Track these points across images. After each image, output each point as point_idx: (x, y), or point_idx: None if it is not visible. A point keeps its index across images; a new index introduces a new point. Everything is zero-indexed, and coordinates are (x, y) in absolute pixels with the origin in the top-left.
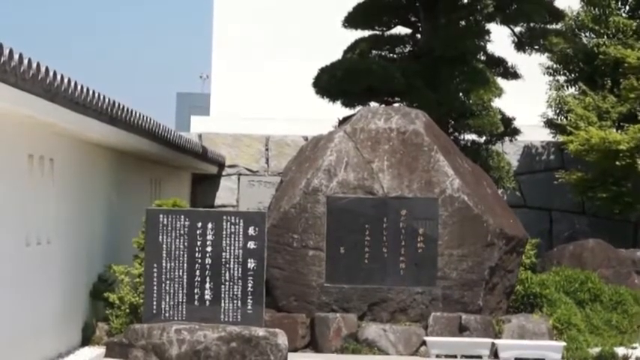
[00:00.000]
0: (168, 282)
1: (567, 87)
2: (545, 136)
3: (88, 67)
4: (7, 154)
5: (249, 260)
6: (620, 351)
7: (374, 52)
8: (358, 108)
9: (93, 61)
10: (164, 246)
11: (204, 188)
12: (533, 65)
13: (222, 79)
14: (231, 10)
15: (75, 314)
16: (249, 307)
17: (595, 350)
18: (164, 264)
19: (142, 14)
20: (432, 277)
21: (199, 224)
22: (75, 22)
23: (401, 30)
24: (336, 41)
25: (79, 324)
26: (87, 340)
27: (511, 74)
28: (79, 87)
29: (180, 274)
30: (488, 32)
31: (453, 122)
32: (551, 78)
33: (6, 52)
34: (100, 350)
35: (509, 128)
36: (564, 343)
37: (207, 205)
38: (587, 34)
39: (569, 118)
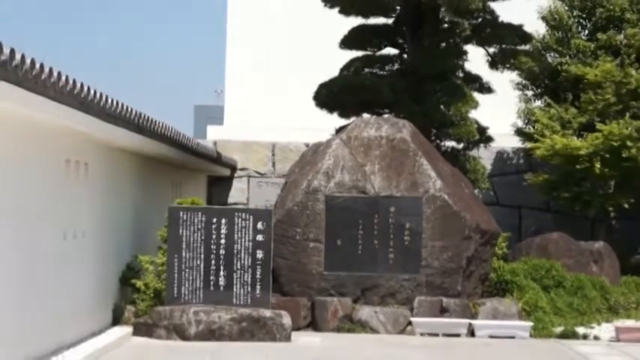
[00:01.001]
0: (187, 270)
1: (534, 100)
2: (515, 143)
3: (116, 82)
4: (47, 159)
5: (257, 251)
6: (581, 330)
7: (366, 69)
8: (353, 118)
9: (123, 78)
10: (184, 239)
11: (218, 188)
12: (504, 81)
13: (234, 93)
14: (242, 33)
15: (106, 298)
16: (258, 291)
17: (558, 329)
18: (184, 254)
19: (165, 34)
20: (417, 265)
21: (214, 220)
22: (107, 42)
23: (390, 50)
24: (333, 60)
25: (110, 307)
26: (117, 320)
27: (485, 89)
28: (110, 100)
29: (198, 263)
30: (465, 53)
31: (435, 131)
32: (520, 92)
33: (46, 69)
34: (128, 329)
35: (483, 136)
36: (532, 323)
37: (221, 203)
38: (552, 54)
39: (536, 127)
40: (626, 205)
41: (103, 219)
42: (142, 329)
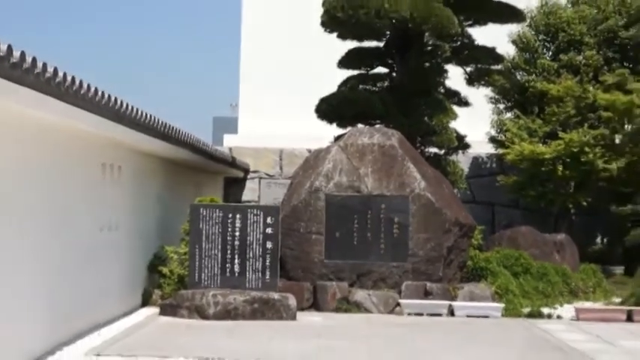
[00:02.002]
0: (206, 258)
1: (505, 112)
2: (489, 149)
3: (144, 97)
4: (86, 163)
5: (267, 242)
6: (545, 310)
7: (361, 86)
8: (349, 128)
9: (151, 93)
10: (203, 232)
11: (233, 188)
12: (480, 96)
13: (246, 107)
14: (253, 55)
15: (136, 283)
16: (267, 277)
17: (526, 310)
18: (203, 245)
19: (192, 56)
20: (405, 254)
21: (230, 215)
22: (135, 57)
23: (381, 70)
24: (332, 78)
25: (139, 290)
26: (145, 302)
27: (463, 103)
28: (140, 112)
29: (216, 252)
30: (446, 71)
31: (420, 139)
32: (493, 105)
33: (85, 84)
34: (155, 310)
35: (461, 143)
36: (503, 305)
37: (236, 201)
38: (520, 73)
39: (506, 135)
40: (585, 203)
41: (134, 214)
42: (168, 310)
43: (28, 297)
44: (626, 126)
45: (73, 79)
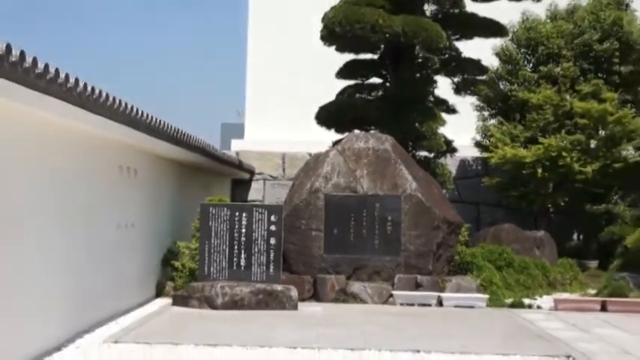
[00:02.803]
0: (215, 253)
1: (490, 119)
2: (475, 153)
3: (158, 103)
4: (106, 166)
5: (271, 238)
6: (526, 301)
7: (357, 95)
8: (346, 133)
9: (165, 100)
10: (212, 229)
11: (240, 189)
12: (466, 104)
13: (252, 114)
14: (258, 68)
15: (151, 276)
16: (271, 270)
17: (509, 300)
18: (213, 241)
19: (201, 64)
20: (397, 250)
21: (237, 214)
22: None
23: (375, 80)
24: (331, 87)
25: (153, 283)
26: (159, 293)
27: (451, 110)
28: (154, 118)
29: (224, 248)
30: (435, 81)
31: (411, 143)
32: (478, 113)
33: (104, 93)
34: (168, 300)
35: (449, 147)
36: (488, 296)
37: (242, 200)
38: (503, 83)
39: (491, 140)
40: (562, 203)
41: (149, 213)
42: (179, 300)
43: (52, 289)
44: (600, 132)
45: (93, 89)
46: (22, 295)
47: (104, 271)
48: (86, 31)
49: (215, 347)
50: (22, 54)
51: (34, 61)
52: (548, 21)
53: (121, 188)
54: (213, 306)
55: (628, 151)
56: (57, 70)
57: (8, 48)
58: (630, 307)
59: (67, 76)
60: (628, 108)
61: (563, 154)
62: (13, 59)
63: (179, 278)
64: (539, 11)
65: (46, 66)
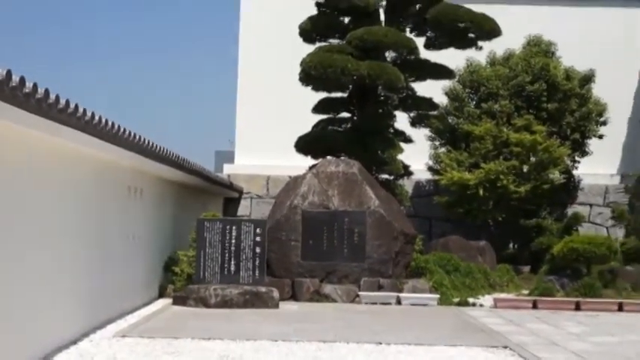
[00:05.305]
0: (209, 260)
1: (440, 147)
2: (428, 175)
3: (160, 133)
4: (116, 187)
5: (256, 248)
6: (471, 300)
7: (329, 127)
8: (320, 159)
9: (166, 132)
10: (207, 239)
11: (231, 206)
12: (420, 135)
13: (241, 143)
14: (247, 104)
15: (154, 280)
16: (257, 274)
17: (456, 300)
18: (207, 250)
19: (198, 98)
20: (362, 257)
21: (228, 227)
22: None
23: (345, 114)
24: (307, 121)
25: (156, 285)
26: (161, 295)
27: (408, 140)
28: (158, 146)
29: (217, 256)
30: (394, 116)
31: (375, 168)
32: (431, 142)
33: (116, 125)
34: (169, 301)
35: (406, 171)
36: (438, 296)
37: (232, 215)
38: (451, 117)
39: (441, 165)
40: (500, 218)
41: (153, 226)
42: (179, 300)
43: (70, 291)
44: (531, 158)
45: (106, 120)
46: (45, 295)
47: (114, 276)
48: (92, 63)
49: (209, 340)
50: (47, 92)
51: (57, 98)
52: (488, 66)
53: (130, 206)
54: (207, 305)
55: (554, 175)
56: (76, 105)
57: (35, 87)
58: (557, 305)
59: (86, 111)
60: (554, 139)
61: (501, 177)
62: (38, 96)
63: (178, 282)
64: (481, 58)
65: (76, 106)
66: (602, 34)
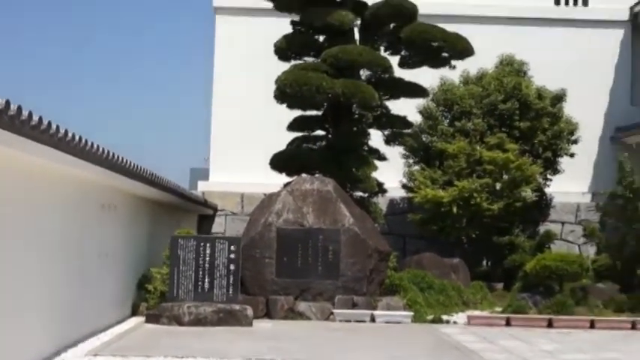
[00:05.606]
0: (183, 278)
1: (414, 165)
2: (402, 193)
3: (136, 148)
4: (89, 204)
5: (230, 265)
6: (445, 317)
7: (304, 145)
8: (295, 177)
9: (144, 150)
10: (181, 257)
11: (205, 223)
12: (395, 153)
13: (216, 160)
14: (222, 122)
15: (128, 297)
16: (231, 292)
17: (430, 317)
18: (181, 267)
19: (175, 118)
20: (337, 274)
21: (202, 244)
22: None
23: (319, 132)
24: (283, 139)
25: (129, 303)
26: (134, 312)
27: (382, 158)
28: (132, 163)
29: (190, 273)
30: (369, 134)
31: (349, 185)
32: (405, 160)
33: (89, 142)
34: (142, 319)
35: (381, 189)
36: (412, 313)
37: (207, 232)
38: (425, 136)
39: (415, 183)
40: (473, 235)
41: (127, 243)
42: (152, 318)
43: (41, 309)
44: (504, 176)
45: (80, 137)
46: (14, 313)
47: (87, 294)
48: (66, 81)
49: (181, 359)
50: (19, 108)
51: (30, 115)
52: (462, 85)
53: (104, 223)
54: (180, 323)
55: (526, 193)
56: (49, 122)
57: (7, 103)
58: (530, 322)
59: (59, 128)
60: (526, 157)
61: (474, 194)
62: (11, 113)
63: (151, 299)
64: (454, 76)
65: (49, 123)
66: (573, 54)
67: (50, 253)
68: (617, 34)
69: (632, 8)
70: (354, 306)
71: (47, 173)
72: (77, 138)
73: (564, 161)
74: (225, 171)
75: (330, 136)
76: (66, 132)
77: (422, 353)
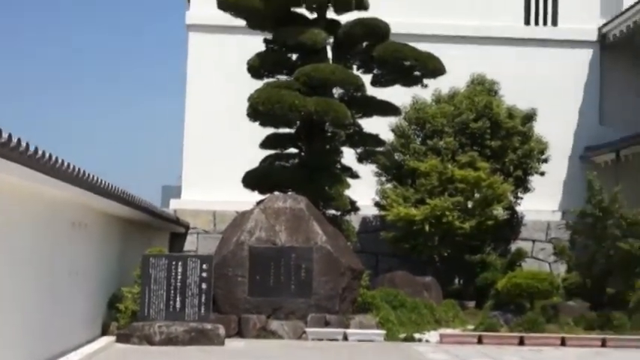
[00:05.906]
0: (154, 297)
1: (386, 183)
2: (374, 211)
3: (108, 165)
4: (60, 222)
5: (202, 284)
6: (417, 335)
7: (277, 162)
8: (268, 195)
9: (116, 169)
10: (152, 276)
11: (177, 241)
12: (367, 171)
13: (188, 178)
14: (193, 142)
15: (98, 316)
16: (202, 311)
17: (402, 335)
18: (152, 286)
19: (147, 138)
20: (309, 293)
21: (174, 262)
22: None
23: (292, 150)
24: (255, 156)
25: (100, 322)
26: (105, 332)
27: (355, 176)
28: (104, 181)
29: (162, 292)
30: (341, 152)
31: (322, 203)
32: (377, 178)
33: (60, 160)
34: (112, 338)
35: (353, 207)
36: (385, 331)
37: (179, 251)
38: (398, 154)
39: (387, 201)
40: (445, 253)
41: (97, 262)
42: (122, 338)
43: (10, 327)
44: (475, 194)
45: (50, 155)
46: None
47: (55, 313)
48: (36, 96)
49: None
50: None
51: (9, 136)
52: (434, 103)
53: (74, 241)
54: (151, 343)
55: (498, 211)
56: (19, 139)
57: None
58: (501, 340)
59: (28, 145)
60: (497, 175)
61: (447, 212)
62: None
63: (122, 319)
64: (426, 95)
65: (18, 140)
66: (543, 74)
67: (21, 271)
68: (586, 54)
69: (600, 29)
70: (327, 324)
71: (17, 191)
72: (47, 155)
73: (535, 180)
74: (197, 188)
75: (302, 153)
76: (36, 149)
77: None
